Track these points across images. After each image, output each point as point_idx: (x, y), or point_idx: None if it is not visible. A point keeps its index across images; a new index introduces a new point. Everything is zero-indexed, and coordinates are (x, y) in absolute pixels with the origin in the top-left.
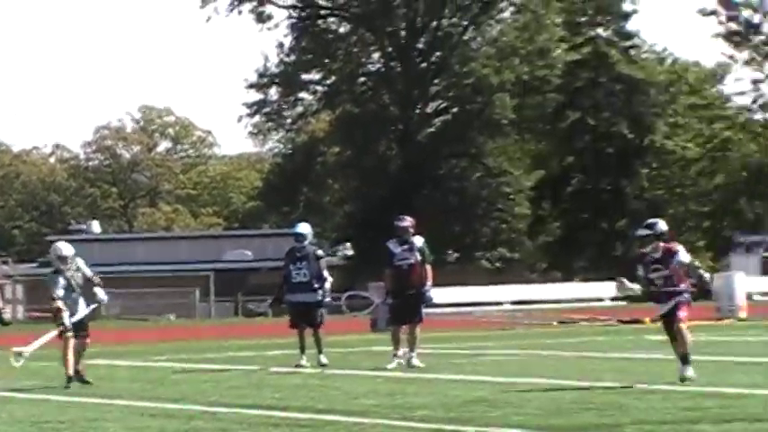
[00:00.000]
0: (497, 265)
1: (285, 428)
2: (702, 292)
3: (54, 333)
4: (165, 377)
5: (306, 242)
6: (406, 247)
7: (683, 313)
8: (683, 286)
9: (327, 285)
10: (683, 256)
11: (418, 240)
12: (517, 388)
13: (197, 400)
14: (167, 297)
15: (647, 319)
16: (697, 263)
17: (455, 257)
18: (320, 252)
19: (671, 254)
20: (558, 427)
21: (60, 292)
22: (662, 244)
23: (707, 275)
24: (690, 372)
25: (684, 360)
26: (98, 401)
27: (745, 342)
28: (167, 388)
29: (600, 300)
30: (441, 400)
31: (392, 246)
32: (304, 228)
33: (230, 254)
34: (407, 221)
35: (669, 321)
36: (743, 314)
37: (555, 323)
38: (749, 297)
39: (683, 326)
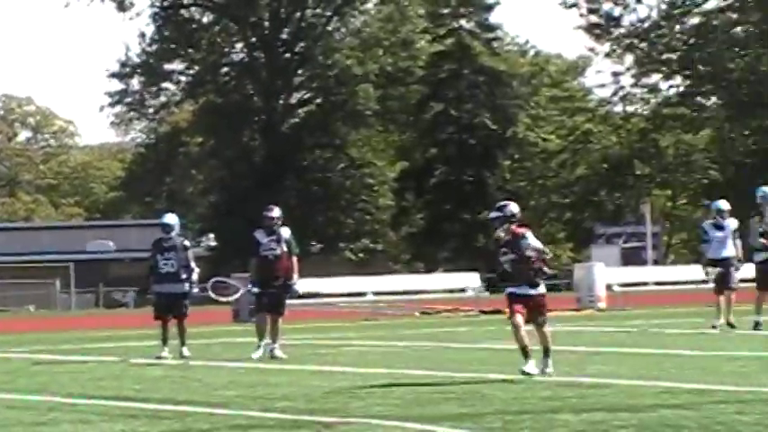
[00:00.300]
0: (361, 256)
1: (144, 420)
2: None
3: None
4: (23, 368)
5: (173, 233)
6: (273, 237)
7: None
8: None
9: (195, 276)
10: (532, 240)
11: (285, 232)
12: (379, 379)
13: (56, 391)
14: (27, 288)
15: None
16: (546, 249)
17: (319, 248)
18: (187, 243)
19: (518, 237)
20: (420, 417)
21: None
22: (512, 227)
23: (548, 269)
24: (549, 367)
25: (546, 353)
26: None
27: (603, 332)
28: (26, 379)
29: (463, 290)
30: (302, 391)
31: (259, 236)
32: (171, 218)
33: (92, 244)
34: (275, 212)
35: (528, 309)
36: (602, 305)
37: (417, 314)
38: (609, 288)
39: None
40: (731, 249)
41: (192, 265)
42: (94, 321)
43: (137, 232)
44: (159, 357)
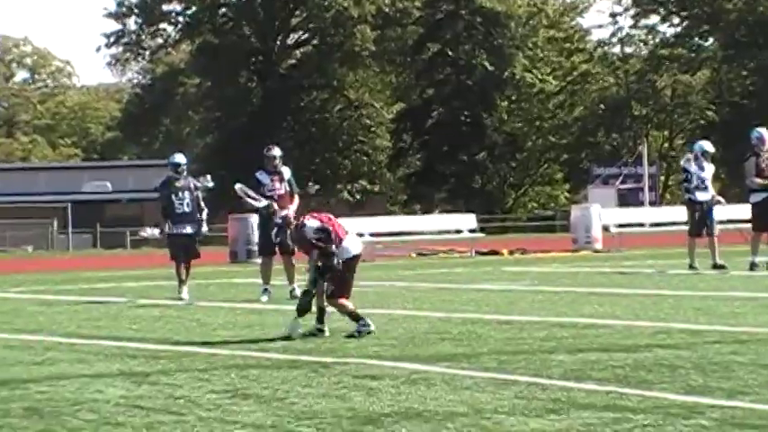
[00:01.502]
0: (358, 197)
1: (142, 359)
2: None
3: None
4: (21, 308)
5: (184, 172)
6: (275, 177)
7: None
8: None
9: (204, 216)
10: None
11: (286, 171)
12: (375, 319)
13: (54, 331)
14: (24, 228)
15: (505, 251)
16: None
17: (316, 189)
18: (197, 182)
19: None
20: (415, 357)
21: None
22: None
23: None
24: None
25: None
26: None
27: (599, 273)
28: (24, 319)
29: (459, 231)
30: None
31: (261, 177)
32: (181, 158)
33: (89, 185)
34: (276, 151)
35: None
36: (599, 246)
37: (413, 255)
38: (605, 229)
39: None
40: (711, 192)
41: (203, 205)
42: (92, 262)
43: (134, 173)
44: (180, 298)
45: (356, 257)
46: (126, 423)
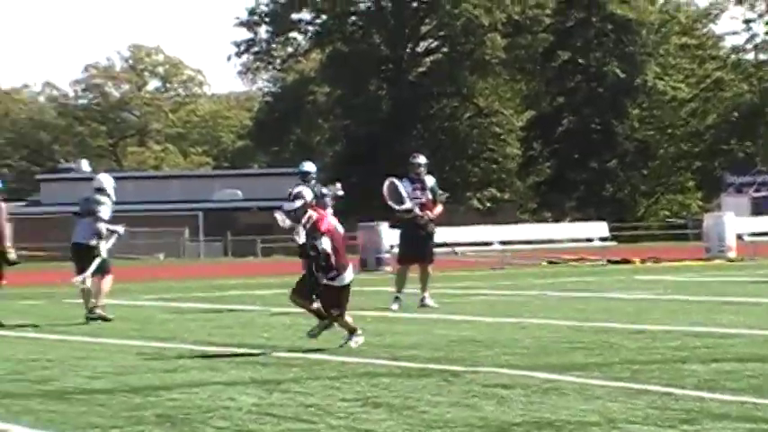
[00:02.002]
0: (488, 205)
1: (273, 368)
2: None
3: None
4: (153, 316)
5: (314, 180)
6: (417, 185)
7: None
8: None
9: None
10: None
11: (430, 180)
12: (505, 328)
13: (185, 338)
14: (156, 236)
15: (637, 260)
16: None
17: (445, 198)
18: (325, 190)
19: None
20: (547, 366)
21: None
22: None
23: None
24: None
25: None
26: (86, 340)
27: (733, 282)
28: (155, 327)
29: (590, 240)
30: (429, 339)
31: (404, 184)
32: (311, 166)
33: (220, 193)
34: (421, 158)
35: None
36: (732, 254)
37: (544, 263)
38: (739, 237)
39: None
40: None
41: (331, 211)
42: (223, 269)
43: (264, 181)
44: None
45: (348, 286)
46: (257, 431)
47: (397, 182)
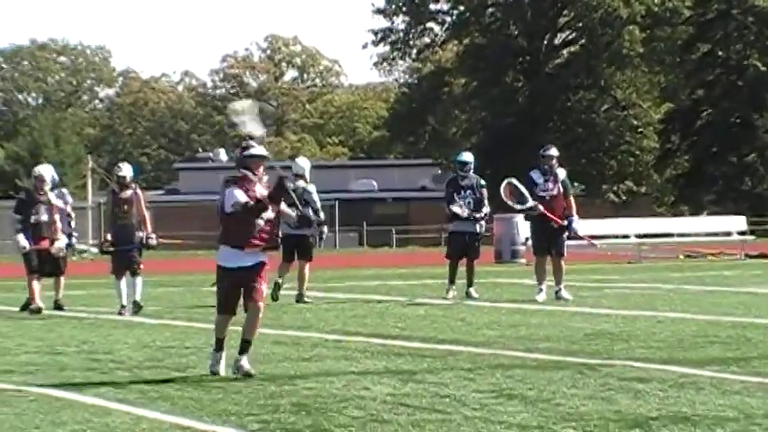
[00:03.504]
0: (624, 198)
1: (408, 358)
2: None
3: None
4: (288, 305)
5: (471, 171)
6: (550, 177)
7: None
8: None
9: (483, 214)
10: None
11: (561, 172)
12: (641, 322)
13: (321, 328)
14: None
15: None
16: None
17: (581, 190)
18: (483, 181)
19: None
20: (683, 360)
21: None
22: None
23: None
24: None
25: None
26: None
27: None
28: (291, 316)
29: (728, 234)
30: (564, 332)
31: (535, 176)
32: (469, 156)
33: (356, 183)
34: (553, 150)
35: None
36: None
37: (681, 257)
38: None
39: None
40: None
41: (486, 202)
42: (359, 259)
43: (400, 172)
44: (445, 298)
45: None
46: (392, 420)
47: (515, 181)
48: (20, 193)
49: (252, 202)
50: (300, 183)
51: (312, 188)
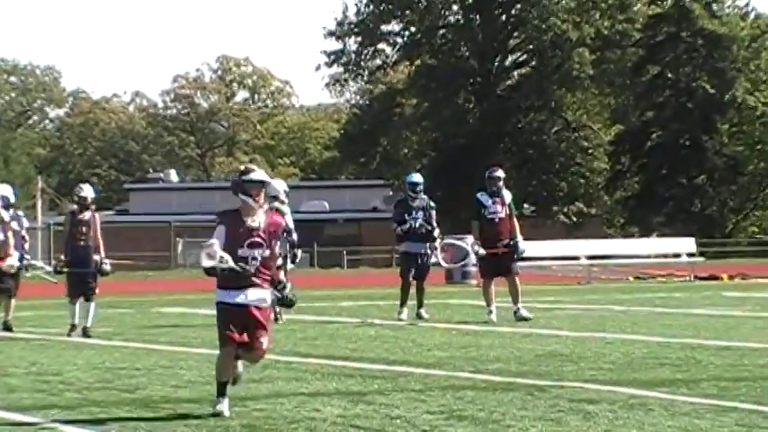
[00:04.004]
0: (574, 219)
1: (359, 379)
2: None
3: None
4: None
5: (421, 192)
6: (497, 199)
7: None
8: None
9: (437, 234)
10: None
11: (507, 195)
12: (591, 343)
13: (271, 349)
14: None
15: (725, 276)
16: None
17: (531, 211)
18: (432, 203)
19: None
20: (633, 382)
21: None
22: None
23: None
24: None
25: None
26: (173, 349)
27: None
28: None
29: (677, 255)
30: (515, 353)
31: (483, 198)
32: (419, 177)
33: (307, 204)
34: (500, 173)
35: None
36: None
37: (631, 278)
38: None
39: None
40: None
41: (435, 224)
42: (310, 280)
43: (351, 193)
44: (399, 319)
45: None
46: None
47: (448, 241)
48: None
49: (222, 265)
50: (276, 204)
51: (286, 209)
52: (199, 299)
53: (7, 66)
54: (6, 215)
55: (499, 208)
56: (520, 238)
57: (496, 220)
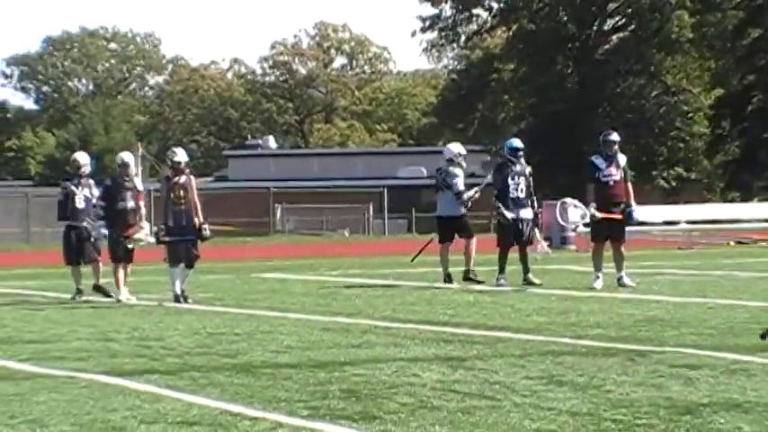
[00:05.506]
0: (674, 184)
1: (457, 344)
2: None
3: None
4: (338, 292)
5: (522, 158)
6: (612, 163)
7: None
8: None
9: (535, 203)
10: None
11: (622, 158)
12: (692, 308)
13: (370, 314)
14: (341, 213)
15: None
16: None
17: (631, 176)
18: (529, 169)
19: None
20: (735, 347)
21: None
22: None
23: None
24: None
25: None
26: (272, 314)
27: None
28: (340, 302)
29: None
30: (614, 319)
31: (598, 161)
32: (519, 143)
33: (404, 170)
34: (616, 136)
35: None
36: None
37: (731, 243)
38: None
39: None
40: None
41: (533, 191)
42: (407, 246)
43: None
44: (498, 284)
45: None
46: (442, 407)
47: (567, 200)
48: (106, 180)
49: None
50: (444, 165)
51: (459, 172)
52: (297, 264)
53: (107, 33)
54: (140, 184)
55: (614, 171)
56: (634, 204)
57: (611, 183)
